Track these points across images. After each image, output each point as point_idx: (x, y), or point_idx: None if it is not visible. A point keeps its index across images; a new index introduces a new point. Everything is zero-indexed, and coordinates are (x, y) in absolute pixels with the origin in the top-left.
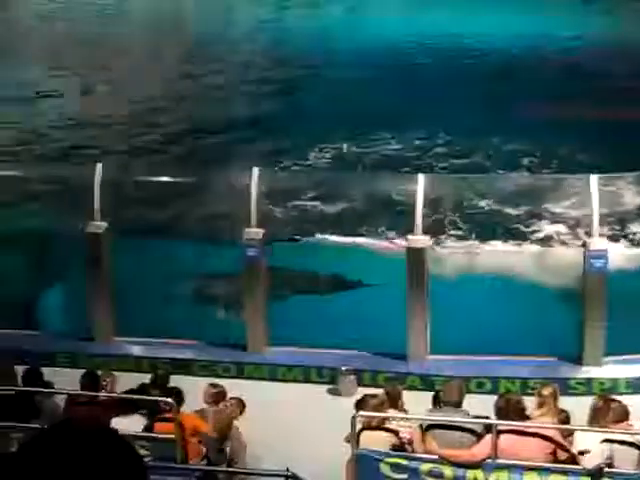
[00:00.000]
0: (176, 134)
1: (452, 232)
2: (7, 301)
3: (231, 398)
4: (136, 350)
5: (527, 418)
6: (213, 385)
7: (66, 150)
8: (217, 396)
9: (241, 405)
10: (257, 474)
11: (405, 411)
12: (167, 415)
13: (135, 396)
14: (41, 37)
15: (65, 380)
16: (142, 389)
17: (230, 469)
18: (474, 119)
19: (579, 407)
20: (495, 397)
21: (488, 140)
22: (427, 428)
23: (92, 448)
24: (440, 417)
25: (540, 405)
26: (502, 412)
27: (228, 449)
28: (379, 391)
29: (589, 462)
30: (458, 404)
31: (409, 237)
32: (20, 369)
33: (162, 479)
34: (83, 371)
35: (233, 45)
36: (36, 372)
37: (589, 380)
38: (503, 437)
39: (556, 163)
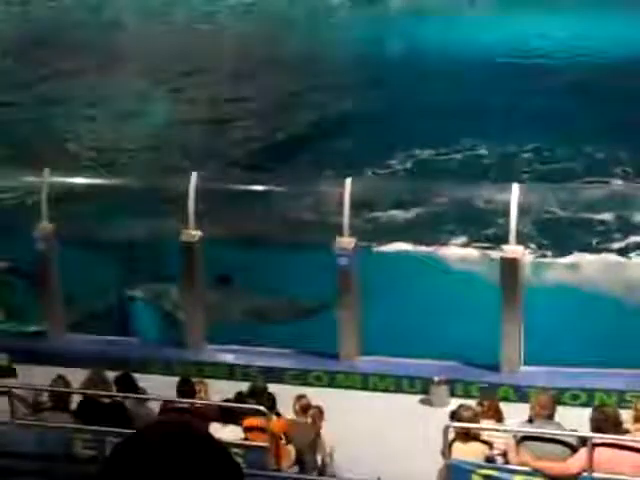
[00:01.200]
0: (269, 144)
1: (543, 242)
2: (102, 308)
3: (314, 415)
4: (229, 358)
5: (624, 432)
6: (299, 397)
7: (162, 160)
8: (303, 408)
9: (321, 415)
10: None
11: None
12: (254, 423)
13: (229, 404)
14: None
15: (158, 387)
16: (238, 398)
17: (321, 477)
18: (566, 125)
19: None
20: (590, 410)
21: (579, 147)
22: (521, 440)
23: (189, 452)
24: (534, 429)
25: (637, 419)
26: (598, 425)
27: (319, 457)
28: (472, 402)
29: None
30: (550, 416)
31: (503, 247)
32: (112, 375)
33: None
34: (176, 379)
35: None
36: (128, 378)
37: None
38: (598, 451)
39: None
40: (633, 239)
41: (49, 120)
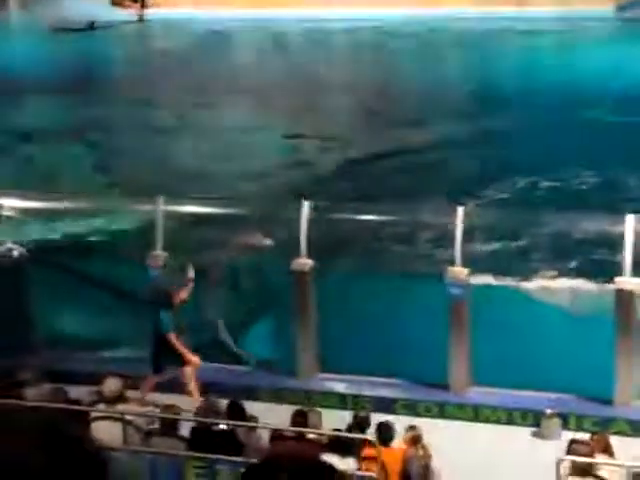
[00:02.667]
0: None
1: None
2: (213, 336)
3: (423, 446)
4: (339, 387)
5: None
6: (410, 427)
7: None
8: (414, 439)
9: (429, 454)
10: None
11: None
12: (372, 453)
13: (339, 433)
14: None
15: (268, 415)
16: (349, 430)
17: None
18: None
19: None
20: None
21: None
22: (637, 476)
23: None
24: None
25: None
26: None
27: None
28: (585, 435)
29: None
30: None
31: (617, 279)
32: (223, 403)
33: None
34: (286, 406)
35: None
36: (238, 406)
37: None
38: None
39: None
40: None
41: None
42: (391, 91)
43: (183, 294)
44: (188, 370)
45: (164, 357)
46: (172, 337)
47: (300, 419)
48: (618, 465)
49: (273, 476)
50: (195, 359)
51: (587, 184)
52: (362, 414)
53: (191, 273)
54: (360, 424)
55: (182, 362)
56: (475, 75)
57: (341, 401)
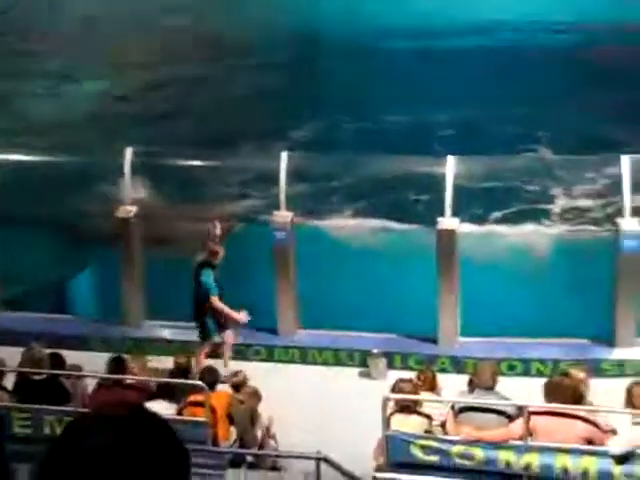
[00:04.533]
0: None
1: (476, 212)
2: (39, 285)
3: (249, 392)
4: (165, 333)
5: (581, 396)
6: (235, 373)
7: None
8: (239, 384)
9: (257, 396)
10: (289, 457)
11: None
12: (198, 398)
13: (165, 379)
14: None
15: (96, 363)
16: (172, 376)
17: (262, 452)
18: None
19: (612, 389)
20: (527, 379)
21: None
22: (460, 411)
23: (134, 434)
24: (473, 400)
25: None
26: (554, 391)
27: (258, 432)
28: (412, 374)
29: (617, 444)
30: (491, 387)
31: (439, 219)
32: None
33: (193, 462)
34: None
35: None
36: (58, 356)
37: (622, 362)
38: (539, 419)
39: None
40: (564, 208)
41: None
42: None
43: (222, 251)
44: (230, 333)
45: (209, 322)
46: (216, 300)
47: (116, 366)
48: (440, 401)
49: (95, 425)
50: (241, 316)
51: (395, 123)
52: (181, 360)
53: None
54: (181, 370)
55: (223, 325)
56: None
57: (168, 347)
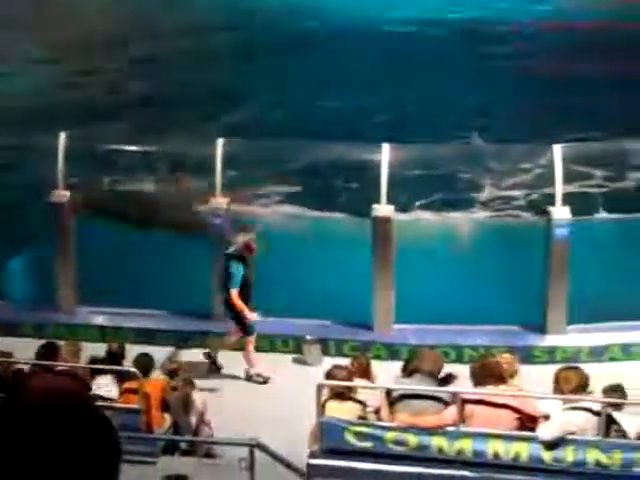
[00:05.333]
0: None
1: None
2: None
3: (183, 379)
4: (99, 319)
5: (505, 380)
6: (170, 359)
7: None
8: (173, 370)
9: (191, 383)
10: (223, 443)
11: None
12: (132, 385)
13: (101, 366)
14: None
15: (30, 350)
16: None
17: (195, 438)
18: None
19: (543, 375)
20: (460, 366)
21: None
22: (398, 398)
23: (65, 419)
24: (406, 386)
25: (512, 375)
26: (478, 376)
27: (192, 419)
28: (346, 361)
29: (548, 429)
30: (431, 374)
31: (374, 206)
32: None
33: (126, 449)
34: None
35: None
36: None
37: (552, 349)
38: (472, 405)
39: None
40: (496, 196)
41: None
42: None
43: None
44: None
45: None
46: (235, 294)
47: (48, 352)
48: (374, 388)
49: (26, 411)
50: (253, 315)
51: (328, 109)
52: (114, 346)
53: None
54: (114, 356)
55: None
56: None
57: (102, 334)
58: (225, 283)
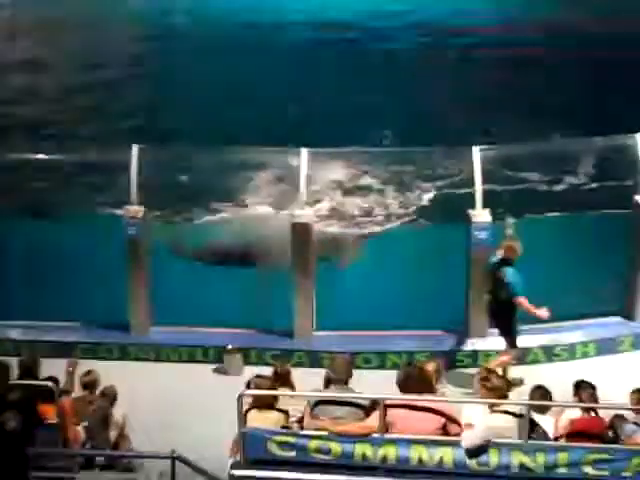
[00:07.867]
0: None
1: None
2: None
3: (102, 392)
4: (13, 333)
5: (432, 386)
6: (86, 373)
7: None
8: (89, 384)
9: (110, 396)
10: (142, 457)
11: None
12: (47, 401)
13: (15, 382)
14: None
15: None
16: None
17: (114, 453)
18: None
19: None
20: (383, 372)
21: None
22: (316, 404)
23: None
24: (329, 394)
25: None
26: (405, 383)
27: (112, 433)
28: (269, 370)
29: (470, 436)
30: (344, 381)
31: (295, 212)
32: None
33: (45, 465)
34: None
35: None
36: None
37: (474, 352)
38: (395, 411)
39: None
40: (417, 199)
41: None
42: None
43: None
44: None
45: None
46: (525, 300)
47: None
48: (296, 396)
49: None
50: (543, 312)
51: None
52: (27, 360)
53: None
54: (27, 370)
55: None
56: None
57: (16, 347)
58: (500, 295)
